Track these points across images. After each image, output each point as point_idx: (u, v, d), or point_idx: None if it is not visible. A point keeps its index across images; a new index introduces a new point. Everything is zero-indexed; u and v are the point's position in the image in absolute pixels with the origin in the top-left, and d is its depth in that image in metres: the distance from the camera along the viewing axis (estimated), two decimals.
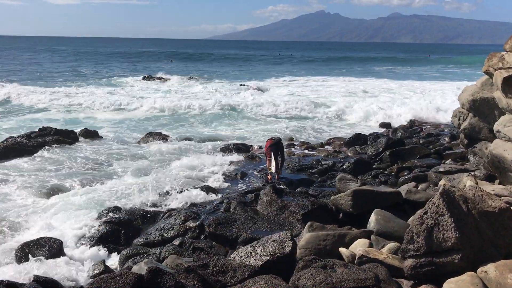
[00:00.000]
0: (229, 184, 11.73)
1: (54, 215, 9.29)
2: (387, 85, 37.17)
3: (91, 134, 17.01)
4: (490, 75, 10.10)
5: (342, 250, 6.06)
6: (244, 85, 35.59)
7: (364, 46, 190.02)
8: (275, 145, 11.84)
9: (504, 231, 5.05)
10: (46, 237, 7.85)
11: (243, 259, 5.71)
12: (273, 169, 11.56)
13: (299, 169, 12.95)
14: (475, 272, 4.77)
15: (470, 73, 49.55)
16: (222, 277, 5.35)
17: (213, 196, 10.48)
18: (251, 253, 5.78)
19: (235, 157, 14.19)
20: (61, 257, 7.45)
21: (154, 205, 10.09)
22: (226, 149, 14.90)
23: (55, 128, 16.65)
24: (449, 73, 53.81)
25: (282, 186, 10.71)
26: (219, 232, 7.97)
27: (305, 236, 6.59)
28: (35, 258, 7.17)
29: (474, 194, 5.18)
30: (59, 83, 36.49)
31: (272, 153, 11.68)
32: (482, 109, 10.62)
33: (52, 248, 7.53)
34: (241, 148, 15.20)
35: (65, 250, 7.81)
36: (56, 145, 14.98)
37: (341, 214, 8.26)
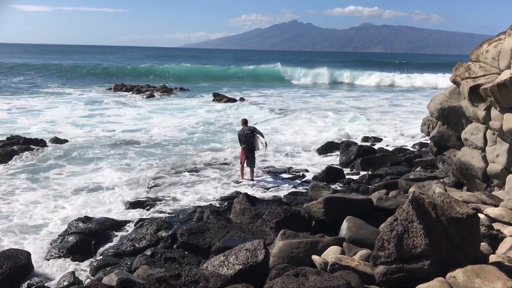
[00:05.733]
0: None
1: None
2: None
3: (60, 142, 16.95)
4: (458, 84, 10.36)
5: (315, 257, 6.08)
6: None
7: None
8: (248, 152, 12.64)
9: (471, 236, 5.15)
10: (13, 249, 7.64)
11: (215, 269, 5.65)
12: (245, 176, 12.65)
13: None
14: (444, 277, 4.85)
15: None
16: (194, 287, 5.29)
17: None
18: (224, 262, 5.74)
19: None
20: (29, 269, 7.26)
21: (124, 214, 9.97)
22: None
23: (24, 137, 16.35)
24: None
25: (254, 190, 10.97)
26: (192, 242, 7.90)
27: (278, 244, 6.59)
28: (2, 270, 6.97)
29: (443, 201, 5.27)
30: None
31: (246, 159, 12.63)
32: (450, 118, 10.86)
33: (20, 260, 7.32)
34: None
35: (34, 262, 7.61)
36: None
37: (313, 222, 8.30)
